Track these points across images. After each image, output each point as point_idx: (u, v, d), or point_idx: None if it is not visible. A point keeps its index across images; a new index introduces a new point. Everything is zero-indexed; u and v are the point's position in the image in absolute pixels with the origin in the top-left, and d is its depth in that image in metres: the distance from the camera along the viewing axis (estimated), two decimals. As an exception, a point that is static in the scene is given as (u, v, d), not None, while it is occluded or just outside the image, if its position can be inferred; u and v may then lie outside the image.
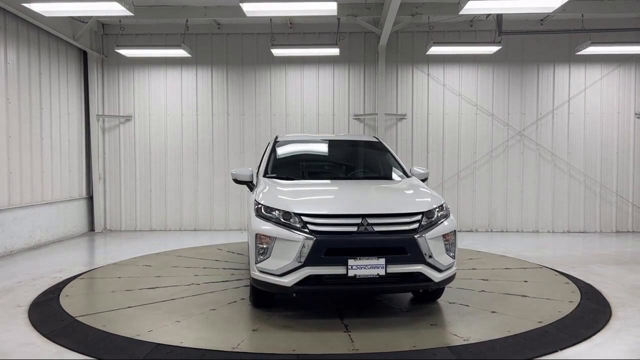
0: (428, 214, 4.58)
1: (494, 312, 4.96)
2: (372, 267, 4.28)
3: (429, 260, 4.42)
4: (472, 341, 4.14)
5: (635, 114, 10.60)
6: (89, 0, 7.13)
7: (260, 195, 4.86)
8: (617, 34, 9.91)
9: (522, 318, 4.75)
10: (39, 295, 5.60)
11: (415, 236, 4.39)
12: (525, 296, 5.51)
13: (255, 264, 4.51)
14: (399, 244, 4.37)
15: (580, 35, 9.90)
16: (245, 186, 5.92)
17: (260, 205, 4.68)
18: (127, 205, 10.95)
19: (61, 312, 4.91)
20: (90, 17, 9.53)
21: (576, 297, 5.38)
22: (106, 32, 10.73)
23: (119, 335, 4.24)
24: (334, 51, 9.73)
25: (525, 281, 6.13)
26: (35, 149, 8.96)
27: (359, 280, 4.30)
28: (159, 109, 10.85)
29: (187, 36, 10.44)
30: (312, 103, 10.76)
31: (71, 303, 5.21)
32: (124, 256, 7.78)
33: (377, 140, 6.58)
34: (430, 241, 4.44)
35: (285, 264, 4.31)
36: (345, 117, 10.74)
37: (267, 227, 4.46)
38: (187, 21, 10.13)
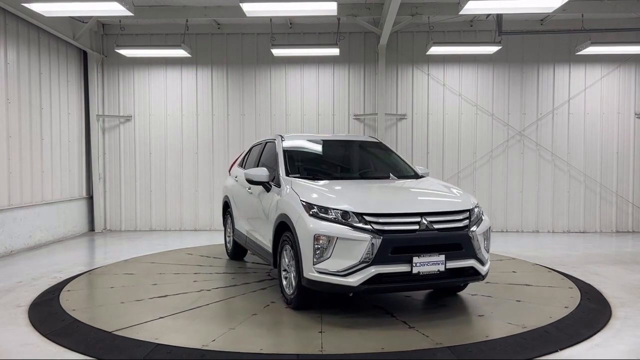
0: (472, 211, 4.78)
1: (519, 300, 5.25)
2: (434, 263, 4.40)
3: (478, 255, 4.62)
4: (528, 328, 4.37)
5: (635, 114, 10.61)
6: (89, 0, 7.13)
7: (307, 195, 4.77)
8: (617, 34, 9.91)
9: (548, 305, 5.08)
10: (39, 295, 5.59)
11: (469, 232, 4.58)
12: (529, 285, 5.74)
13: (313, 265, 4.43)
14: (456, 240, 4.54)
15: (580, 35, 9.91)
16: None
17: (313, 205, 4.61)
18: (127, 205, 10.95)
19: (61, 312, 4.89)
20: (90, 17, 9.53)
21: (576, 297, 5.37)
22: (106, 32, 10.73)
23: (119, 335, 4.23)
24: (334, 51, 9.73)
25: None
26: (35, 149, 8.96)
27: (422, 277, 4.40)
28: (159, 109, 10.85)
29: (187, 36, 10.44)
30: (312, 103, 10.76)
31: (72, 304, 5.17)
32: (123, 256, 7.77)
33: (380, 141, 6.73)
34: (478, 237, 4.65)
35: (350, 263, 4.29)
36: (345, 117, 10.74)
37: (327, 227, 4.40)
38: (187, 21, 10.13)
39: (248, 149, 7.36)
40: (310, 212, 4.58)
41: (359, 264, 4.28)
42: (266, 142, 6.53)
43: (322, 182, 5.21)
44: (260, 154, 6.51)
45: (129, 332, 4.31)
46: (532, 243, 9.29)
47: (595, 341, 4.23)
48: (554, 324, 4.53)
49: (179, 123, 10.85)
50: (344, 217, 4.44)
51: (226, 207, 7.55)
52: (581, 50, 9.72)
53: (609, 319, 4.78)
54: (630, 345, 4.16)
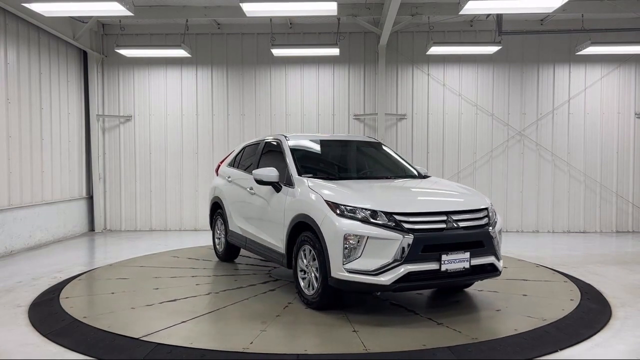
0: (489, 209, 4.94)
1: (525, 295, 5.48)
2: (460, 261, 4.50)
3: (497, 252, 4.80)
4: (549, 321, 4.57)
5: (635, 114, 10.60)
6: (89, 0, 7.13)
7: (331, 194, 4.76)
8: (617, 34, 9.91)
9: (553, 298, 5.38)
10: (39, 295, 5.59)
11: (489, 230, 4.73)
12: (526, 279, 5.74)
13: (343, 264, 4.44)
14: (479, 237, 4.66)
15: (580, 35, 9.91)
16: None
17: (339, 205, 4.61)
18: (127, 205, 10.95)
19: (61, 312, 4.89)
20: (90, 17, 9.53)
21: (576, 297, 5.38)
22: (106, 32, 10.73)
23: (119, 335, 4.23)
24: (334, 51, 9.73)
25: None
26: (35, 149, 8.96)
27: (449, 274, 4.49)
28: (159, 109, 10.85)
29: (187, 36, 10.44)
30: (312, 103, 10.76)
31: (79, 311, 4.97)
32: (123, 256, 7.76)
33: (380, 141, 6.83)
34: (497, 234, 4.84)
35: (383, 262, 4.33)
36: (345, 117, 10.74)
37: (357, 227, 4.42)
38: (187, 21, 10.14)
39: (240, 149, 7.21)
40: (338, 212, 4.57)
41: (392, 263, 4.32)
42: (265, 142, 6.45)
43: (338, 182, 5.21)
44: (261, 154, 6.41)
45: (156, 337, 4.16)
46: (532, 243, 9.29)
47: (595, 341, 4.23)
48: (554, 323, 4.53)
49: (179, 123, 10.85)
50: (373, 217, 4.46)
51: (215, 209, 7.37)
52: (581, 50, 9.72)
53: (609, 319, 4.78)
54: (630, 345, 4.16)
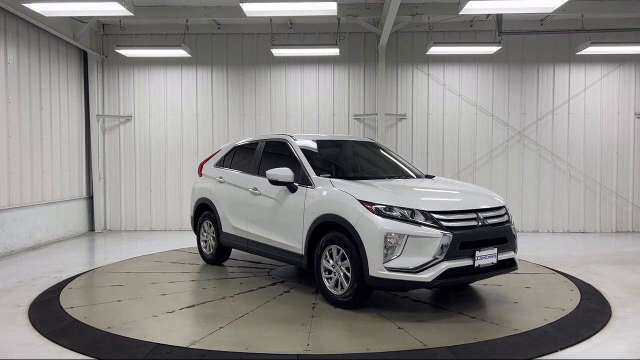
0: (506, 207, 5.19)
1: (528, 287, 5.74)
2: (490, 256, 4.70)
3: (516, 247, 5.04)
4: (567, 311, 4.83)
5: (635, 114, 10.60)
6: (89, 0, 7.13)
7: (363, 194, 4.79)
8: (617, 34, 9.91)
9: (556, 290, 5.68)
10: (39, 295, 5.59)
11: (511, 226, 5.01)
12: (525, 274, 6.10)
13: (383, 263, 4.47)
14: (503, 233, 4.89)
15: (580, 35, 9.91)
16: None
17: (374, 204, 4.64)
18: (127, 205, 10.96)
19: (61, 312, 4.88)
20: (90, 17, 9.54)
21: (576, 297, 5.38)
22: (106, 32, 10.74)
23: (119, 335, 4.23)
24: (334, 51, 9.73)
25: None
26: (35, 149, 8.96)
27: (480, 270, 4.68)
28: (159, 109, 10.85)
29: (187, 36, 10.45)
30: (312, 103, 10.76)
31: (87, 315, 4.83)
32: (123, 256, 7.76)
33: (378, 142, 6.91)
34: (515, 230, 5.11)
35: (424, 260, 4.42)
36: (345, 117, 10.74)
37: (398, 226, 4.48)
38: (187, 21, 10.14)
39: (230, 149, 6.99)
40: (374, 211, 4.60)
41: (432, 260, 4.41)
42: (266, 142, 6.36)
43: (361, 182, 5.22)
44: (262, 154, 6.28)
45: (202, 344, 4.01)
46: (532, 243, 9.28)
47: (595, 341, 4.23)
48: (553, 323, 4.53)
49: (179, 123, 10.85)
50: (412, 215, 4.53)
51: (202, 210, 7.11)
52: (581, 50, 9.72)
53: (609, 319, 4.79)
54: (630, 345, 4.15)
